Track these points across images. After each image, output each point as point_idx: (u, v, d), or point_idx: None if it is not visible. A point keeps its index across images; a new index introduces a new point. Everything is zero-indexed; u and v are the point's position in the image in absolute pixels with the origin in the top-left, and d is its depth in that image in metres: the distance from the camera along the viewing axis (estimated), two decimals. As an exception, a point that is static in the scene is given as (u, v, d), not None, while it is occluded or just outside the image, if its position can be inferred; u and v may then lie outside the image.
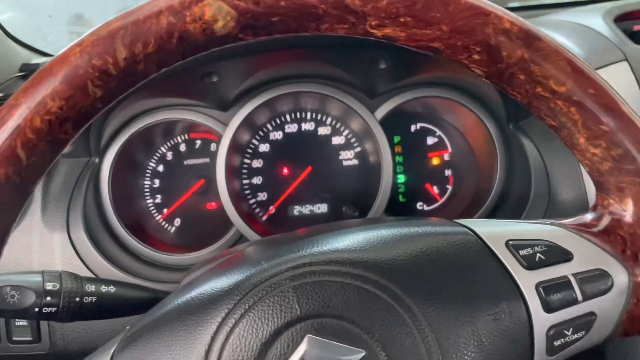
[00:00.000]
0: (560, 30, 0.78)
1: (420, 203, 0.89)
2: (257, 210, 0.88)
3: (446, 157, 0.89)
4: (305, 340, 0.36)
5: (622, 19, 0.79)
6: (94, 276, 0.71)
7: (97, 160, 0.78)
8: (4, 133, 0.35)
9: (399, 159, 0.89)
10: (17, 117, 0.35)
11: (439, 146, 0.89)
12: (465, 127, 0.86)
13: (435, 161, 0.89)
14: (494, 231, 0.41)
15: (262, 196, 0.88)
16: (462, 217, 0.80)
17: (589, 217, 0.42)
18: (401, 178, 0.89)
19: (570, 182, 0.70)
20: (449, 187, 0.89)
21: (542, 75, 0.38)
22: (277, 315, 0.37)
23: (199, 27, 0.37)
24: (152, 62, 0.38)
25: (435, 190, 0.89)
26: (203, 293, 0.39)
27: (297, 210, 0.88)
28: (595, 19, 0.77)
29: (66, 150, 0.45)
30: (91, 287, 0.53)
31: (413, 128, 0.89)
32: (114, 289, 0.54)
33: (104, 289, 0.53)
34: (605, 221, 0.41)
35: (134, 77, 0.38)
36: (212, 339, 0.37)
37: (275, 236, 0.57)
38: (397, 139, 0.89)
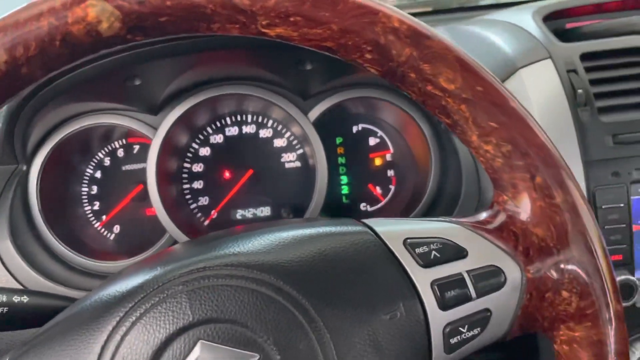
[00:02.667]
0: (492, 29, 0.79)
1: (364, 204, 0.89)
2: (198, 215, 0.87)
3: (388, 157, 0.89)
4: (198, 346, 0.36)
5: (553, 17, 0.80)
6: (20, 287, 0.69)
7: (24, 167, 0.76)
8: None
9: (341, 160, 0.89)
10: None
11: (381, 147, 0.89)
12: (402, 127, 0.86)
13: (377, 162, 0.90)
14: (393, 230, 0.41)
15: (204, 201, 0.87)
16: (401, 217, 0.81)
17: (485, 214, 0.42)
18: (344, 179, 0.89)
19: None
20: (392, 187, 0.89)
21: (432, 74, 0.38)
22: (169, 321, 0.36)
23: (83, 28, 0.36)
24: (36, 65, 0.37)
25: (378, 190, 0.89)
26: (96, 301, 0.39)
27: (240, 214, 0.87)
28: (526, 18, 0.78)
29: None
30: (2, 298, 0.51)
31: (355, 129, 0.89)
32: (27, 298, 0.52)
33: (16, 299, 0.52)
34: (501, 218, 0.41)
35: (20, 80, 0.37)
36: (103, 348, 0.36)
37: (189, 241, 0.56)
38: (339, 140, 0.89)
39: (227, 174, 0.87)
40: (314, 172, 0.83)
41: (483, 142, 0.39)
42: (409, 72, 0.38)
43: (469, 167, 0.73)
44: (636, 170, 0.63)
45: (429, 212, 0.80)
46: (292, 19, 0.37)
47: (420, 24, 0.38)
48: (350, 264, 0.39)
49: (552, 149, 0.38)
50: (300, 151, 0.87)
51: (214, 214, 0.87)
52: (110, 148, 0.86)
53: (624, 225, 0.63)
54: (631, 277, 0.63)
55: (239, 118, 0.87)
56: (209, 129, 0.87)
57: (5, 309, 0.51)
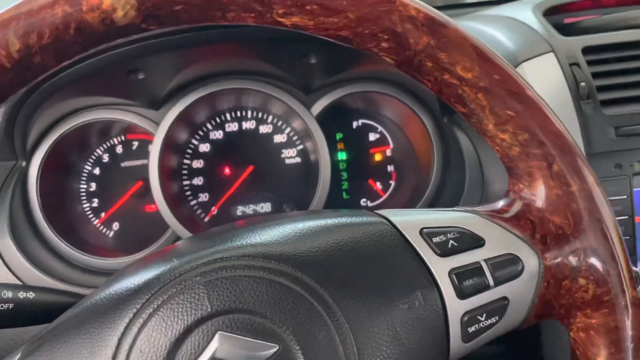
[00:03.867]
0: (493, 24, 0.79)
1: (364, 199, 0.89)
2: (198, 211, 0.86)
3: (388, 152, 0.90)
4: (217, 337, 0.35)
5: (552, 13, 0.81)
6: (18, 283, 0.68)
7: (24, 163, 0.75)
8: None
9: (341, 155, 0.89)
10: None
11: (381, 142, 0.89)
12: (403, 122, 0.86)
13: (377, 157, 0.90)
14: (409, 220, 0.41)
15: (204, 197, 0.86)
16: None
17: (501, 203, 0.42)
18: (344, 175, 0.89)
19: (502, 172, 0.71)
20: (392, 183, 0.89)
21: (449, 62, 0.38)
22: (187, 313, 0.36)
23: (97, 16, 0.36)
24: (49, 54, 0.36)
25: (378, 186, 0.89)
26: (112, 293, 0.38)
27: (240, 210, 0.87)
28: (526, 13, 0.78)
29: None
30: (7, 294, 0.50)
31: (355, 124, 0.89)
32: (33, 294, 0.52)
33: (22, 295, 0.51)
34: (517, 206, 0.41)
35: (31, 70, 0.37)
36: (120, 341, 0.35)
37: (201, 233, 0.55)
38: (339, 135, 0.89)
39: (227, 170, 0.87)
40: (315, 167, 0.83)
41: (500, 130, 0.39)
42: (425, 61, 0.38)
43: (472, 162, 0.74)
44: (638, 162, 0.64)
45: (431, 206, 0.80)
46: (308, 7, 0.37)
47: (436, 12, 0.38)
48: (367, 254, 0.39)
49: (568, 137, 0.39)
50: (300, 147, 0.87)
51: (214, 210, 0.86)
52: (108, 144, 0.85)
53: (627, 217, 0.64)
54: (635, 268, 0.63)
55: (238, 114, 0.86)
56: (208, 125, 0.86)
57: (11, 305, 0.50)
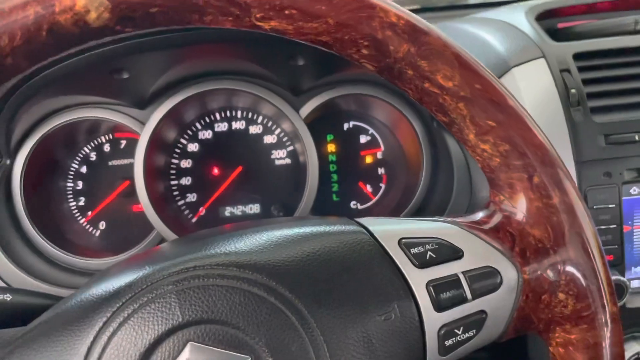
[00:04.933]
0: (486, 27, 0.78)
1: (354, 202, 0.89)
2: (186, 212, 0.85)
3: (379, 155, 0.89)
4: (188, 347, 0.35)
5: (546, 17, 0.80)
6: (3, 284, 0.67)
7: (8, 161, 0.74)
8: None
9: (332, 157, 0.88)
10: None
11: (372, 144, 0.89)
12: (393, 124, 0.86)
13: (368, 159, 0.89)
14: (388, 229, 0.40)
15: (192, 197, 0.86)
16: (392, 215, 0.80)
17: (481, 214, 0.42)
18: (334, 177, 0.88)
19: (489, 179, 0.71)
20: (382, 186, 0.88)
21: (430, 71, 0.37)
22: (158, 322, 0.35)
23: (70, 18, 0.35)
24: (21, 55, 0.35)
25: (368, 188, 0.88)
26: (83, 300, 0.37)
27: (228, 211, 0.86)
28: (518, 17, 0.77)
29: None
30: None
31: (346, 126, 0.89)
32: (10, 297, 0.51)
33: None
34: (497, 218, 0.40)
35: (3, 72, 0.36)
36: (89, 349, 0.35)
37: (178, 238, 0.55)
38: (330, 137, 0.88)
39: (215, 171, 0.86)
40: (304, 169, 0.82)
41: (480, 140, 0.38)
42: (406, 69, 0.37)
43: (460, 166, 0.73)
44: (628, 170, 0.63)
45: (420, 210, 0.80)
46: (287, 12, 0.36)
47: (418, 19, 0.37)
48: (344, 264, 0.38)
49: (550, 148, 0.38)
50: (290, 148, 0.86)
51: (202, 210, 0.86)
52: (96, 143, 0.84)
53: (615, 226, 0.63)
54: (622, 278, 0.63)
55: (228, 114, 0.86)
56: (197, 125, 0.85)
57: (-13, 308, 0.49)
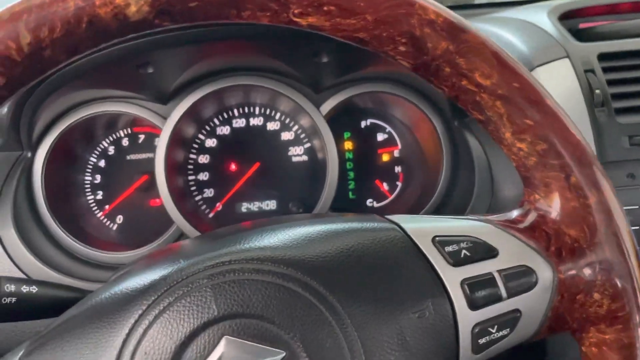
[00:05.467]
0: (507, 27, 0.78)
1: (370, 200, 0.89)
2: (203, 207, 0.85)
3: (396, 153, 0.89)
4: (223, 341, 0.35)
5: (567, 17, 0.79)
6: (24, 276, 0.67)
7: (29, 154, 0.74)
8: None
9: (349, 155, 0.88)
10: None
11: (389, 142, 0.88)
12: (412, 123, 0.85)
13: (385, 157, 0.89)
14: (421, 227, 0.40)
15: (209, 193, 0.86)
16: (410, 214, 0.80)
17: (515, 213, 0.41)
18: (351, 174, 0.88)
19: (512, 179, 0.70)
20: (399, 184, 0.88)
21: (468, 68, 0.37)
22: (193, 315, 0.35)
23: (110, 11, 0.35)
24: (60, 48, 0.35)
25: (385, 186, 0.88)
26: (117, 293, 0.37)
27: (245, 207, 0.86)
28: (540, 17, 0.77)
29: None
30: (10, 287, 0.50)
31: (363, 124, 0.89)
32: (36, 289, 0.51)
33: (25, 289, 0.50)
34: (532, 217, 0.40)
35: (41, 63, 0.36)
36: (124, 342, 0.35)
37: (209, 233, 0.55)
38: (347, 134, 0.88)
39: (233, 166, 0.86)
40: (322, 166, 0.82)
41: (517, 139, 0.38)
42: (443, 66, 0.37)
43: (482, 166, 0.73)
44: (652, 172, 0.63)
45: (439, 209, 0.80)
46: (325, 8, 0.36)
47: (456, 16, 0.37)
48: (378, 261, 0.38)
49: (587, 148, 0.38)
50: (307, 145, 0.86)
51: (219, 206, 0.86)
52: (115, 137, 0.84)
53: (638, 227, 0.63)
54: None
55: (246, 110, 0.86)
56: (215, 120, 0.85)
57: (14, 299, 0.50)
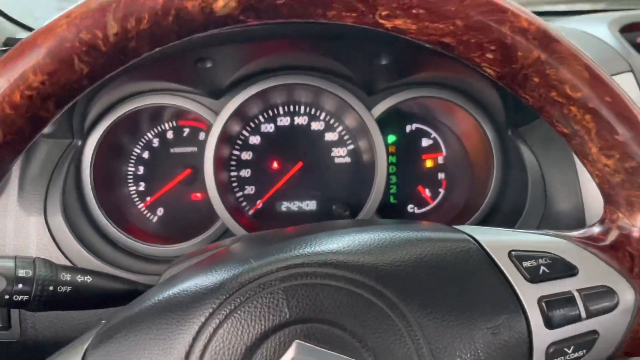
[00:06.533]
0: (568, 38, 0.76)
1: (412, 205, 0.88)
2: (243, 203, 0.85)
3: (440, 160, 0.88)
4: (294, 346, 0.34)
5: (627, 30, 0.78)
6: (69, 264, 0.68)
7: (79, 142, 0.75)
8: None
9: (392, 159, 0.87)
10: None
11: (434, 148, 0.87)
12: (462, 130, 0.84)
13: (428, 163, 0.88)
14: (497, 240, 0.39)
15: (250, 190, 0.85)
16: (454, 223, 0.79)
17: (596, 230, 0.40)
18: (393, 179, 0.87)
19: (568, 193, 0.69)
20: (442, 191, 0.87)
21: (558, 79, 0.36)
22: (265, 317, 0.34)
23: (198, 5, 0.34)
24: (145, 39, 0.35)
25: (427, 193, 0.87)
26: (186, 290, 0.37)
27: (285, 206, 0.86)
28: (600, 28, 0.75)
29: (47, 130, 0.43)
30: (66, 276, 0.50)
31: (408, 128, 0.88)
32: (91, 279, 0.51)
33: (79, 278, 0.51)
34: (613, 236, 0.39)
35: (125, 54, 0.36)
36: (194, 340, 0.34)
37: (264, 233, 0.54)
38: (391, 138, 0.87)
39: (275, 164, 0.86)
40: (367, 169, 0.81)
41: (604, 155, 0.37)
42: (532, 76, 0.36)
43: (535, 178, 0.71)
44: None
45: (485, 221, 0.78)
46: (414, 10, 0.35)
47: (548, 25, 0.36)
48: (452, 273, 0.37)
49: None
50: (351, 146, 0.85)
51: (259, 203, 0.85)
52: (159, 129, 0.84)
53: None
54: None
55: (291, 108, 0.85)
56: (260, 118, 0.85)
57: (69, 288, 0.50)
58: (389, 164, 0.87)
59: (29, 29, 1.04)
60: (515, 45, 0.36)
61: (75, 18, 0.33)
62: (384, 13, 0.36)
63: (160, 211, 0.84)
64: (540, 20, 0.36)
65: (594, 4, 1.18)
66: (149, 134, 0.84)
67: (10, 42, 0.92)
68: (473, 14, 0.35)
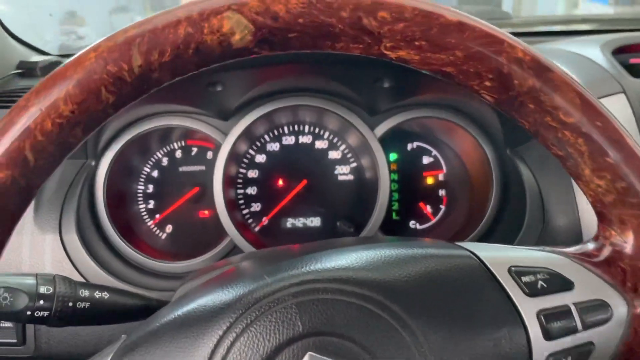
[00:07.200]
0: (559, 59, 0.79)
1: (413, 221, 0.90)
2: (250, 220, 0.87)
3: (441, 177, 0.90)
4: (307, 357, 0.36)
5: (620, 52, 0.80)
6: (83, 280, 0.70)
7: (93, 162, 0.77)
8: (12, 134, 0.35)
9: (393, 176, 0.90)
10: (28, 118, 0.35)
11: (434, 166, 0.90)
12: (462, 149, 0.87)
13: (429, 181, 0.90)
14: (497, 256, 0.41)
15: (256, 207, 0.88)
16: (455, 239, 0.81)
17: (590, 246, 0.42)
18: (395, 196, 0.90)
19: (565, 209, 0.71)
20: (442, 207, 0.90)
21: (552, 106, 0.38)
22: (279, 331, 0.36)
23: (216, 39, 0.37)
24: (166, 70, 0.38)
25: (428, 209, 0.90)
26: (205, 305, 0.39)
27: (290, 222, 0.88)
28: (593, 50, 0.78)
29: None
30: (85, 293, 0.52)
31: (409, 147, 0.90)
32: (108, 295, 0.53)
33: (97, 294, 0.53)
34: (606, 252, 0.41)
35: (147, 84, 0.38)
36: (213, 352, 0.36)
37: (271, 250, 0.56)
38: (393, 156, 0.90)
39: (280, 182, 0.88)
40: (370, 186, 0.83)
41: (596, 176, 0.39)
42: (528, 103, 0.39)
43: (533, 195, 0.74)
44: None
45: (485, 237, 0.81)
46: (417, 43, 0.38)
47: (540, 55, 0.39)
48: (455, 287, 0.39)
49: None
50: (354, 164, 0.88)
51: (265, 220, 0.88)
52: (168, 149, 0.87)
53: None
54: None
55: (296, 128, 0.88)
56: (266, 137, 0.87)
57: (87, 304, 0.52)
58: (390, 182, 0.89)
59: (39, 50, 1.07)
60: (512, 74, 0.38)
61: (103, 52, 0.36)
62: (388, 45, 0.38)
63: (169, 228, 0.86)
64: (534, 51, 0.39)
65: (589, 24, 1.21)
66: (158, 154, 0.87)
67: (22, 65, 0.95)
68: (472, 45, 0.38)
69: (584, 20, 1.17)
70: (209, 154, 0.86)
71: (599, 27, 1.14)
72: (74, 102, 0.36)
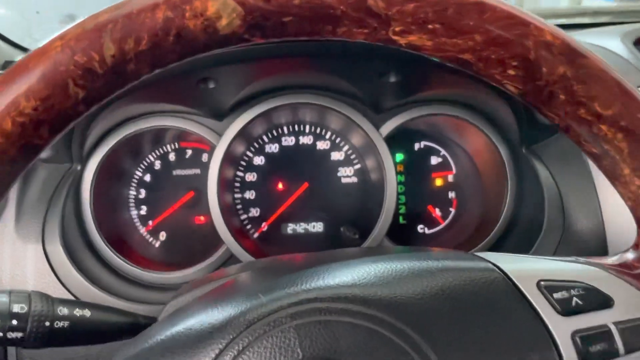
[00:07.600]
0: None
1: (422, 226, 0.85)
2: (248, 226, 0.83)
3: (450, 178, 0.85)
4: None
5: (638, 43, 0.76)
6: (68, 294, 0.65)
7: (78, 167, 0.73)
8: None
9: (400, 178, 0.85)
10: None
11: (443, 167, 0.85)
12: (473, 148, 0.82)
13: (438, 182, 0.85)
14: (524, 269, 0.37)
15: (255, 212, 0.83)
16: (466, 244, 0.76)
17: (630, 256, 0.37)
18: (402, 199, 0.85)
19: (587, 212, 0.66)
20: (452, 210, 0.85)
21: (586, 96, 0.34)
22: (276, 359, 0.32)
23: (200, 24, 0.32)
24: (144, 61, 0.33)
25: (437, 212, 0.85)
26: (190, 328, 0.34)
27: (290, 228, 0.83)
28: (613, 41, 0.73)
29: (45, 155, 0.40)
30: (64, 311, 0.47)
31: (417, 146, 0.85)
32: (90, 313, 0.48)
33: (77, 312, 0.48)
34: None
35: (123, 77, 0.33)
36: None
37: (271, 260, 0.52)
38: (399, 157, 0.85)
39: (280, 186, 0.83)
40: (375, 189, 0.79)
41: (637, 177, 0.34)
42: (558, 93, 0.34)
43: (552, 197, 0.69)
44: None
45: (499, 243, 0.76)
46: (430, 26, 0.33)
47: (573, 39, 0.34)
48: (476, 305, 0.34)
49: None
50: (358, 166, 0.83)
51: (264, 226, 0.83)
52: (161, 151, 0.82)
53: None
54: None
55: (296, 128, 0.83)
56: (264, 138, 0.83)
57: (67, 323, 0.47)
58: (397, 184, 0.84)
59: (27, 50, 1.03)
60: (540, 60, 0.33)
61: (70, 40, 0.31)
62: (397, 29, 0.34)
63: (162, 235, 0.82)
64: (564, 34, 0.34)
65: (593, 17, 1.16)
66: (150, 157, 0.82)
67: (7, 65, 0.90)
68: (493, 28, 0.33)
69: (596, 13, 1.11)
70: (204, 157, 0.82)
71: (613, 20, 1.09)
72: (37, 97, 0.31)
